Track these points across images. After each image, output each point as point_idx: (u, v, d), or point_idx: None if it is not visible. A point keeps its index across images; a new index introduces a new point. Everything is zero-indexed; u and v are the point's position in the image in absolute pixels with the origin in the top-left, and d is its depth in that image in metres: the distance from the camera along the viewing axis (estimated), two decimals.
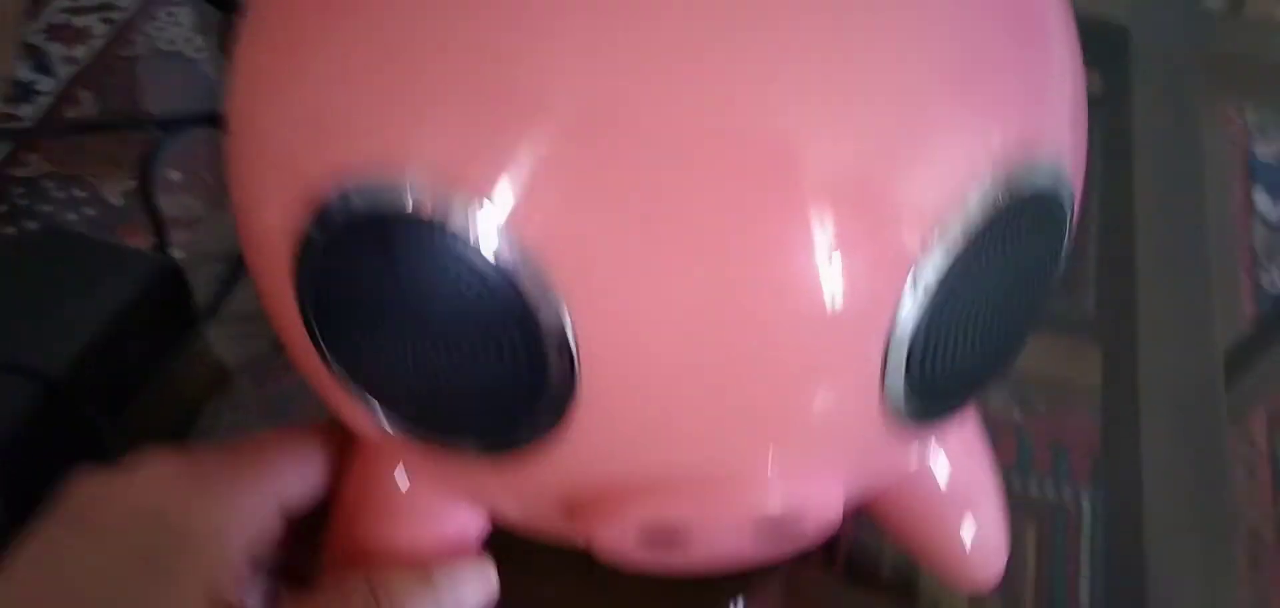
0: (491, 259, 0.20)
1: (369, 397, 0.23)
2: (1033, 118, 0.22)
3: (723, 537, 0.25)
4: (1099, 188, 0.45)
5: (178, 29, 0.54)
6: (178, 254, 0.38)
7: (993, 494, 0.30)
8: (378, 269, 0.21)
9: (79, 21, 0.53)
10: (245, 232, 0.25)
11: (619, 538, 0.24)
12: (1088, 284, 0.42)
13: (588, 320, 0.20)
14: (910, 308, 0.21)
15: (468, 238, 0.20)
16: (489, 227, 0.20)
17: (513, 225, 0.20)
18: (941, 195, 0.21)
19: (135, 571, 0.24)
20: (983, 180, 0.21)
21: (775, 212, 0.20)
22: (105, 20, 0.54)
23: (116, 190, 0.46)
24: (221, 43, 0.52)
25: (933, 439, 0.28)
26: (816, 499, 0.24)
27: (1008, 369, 0.25)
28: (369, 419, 0.24)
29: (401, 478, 0.27)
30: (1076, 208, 0.24)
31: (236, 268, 0.35)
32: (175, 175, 0.46)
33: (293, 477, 0.27)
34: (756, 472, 0.23)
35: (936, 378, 0.23)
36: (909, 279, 0.21)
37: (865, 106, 0.20)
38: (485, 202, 0.20)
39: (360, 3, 0.20)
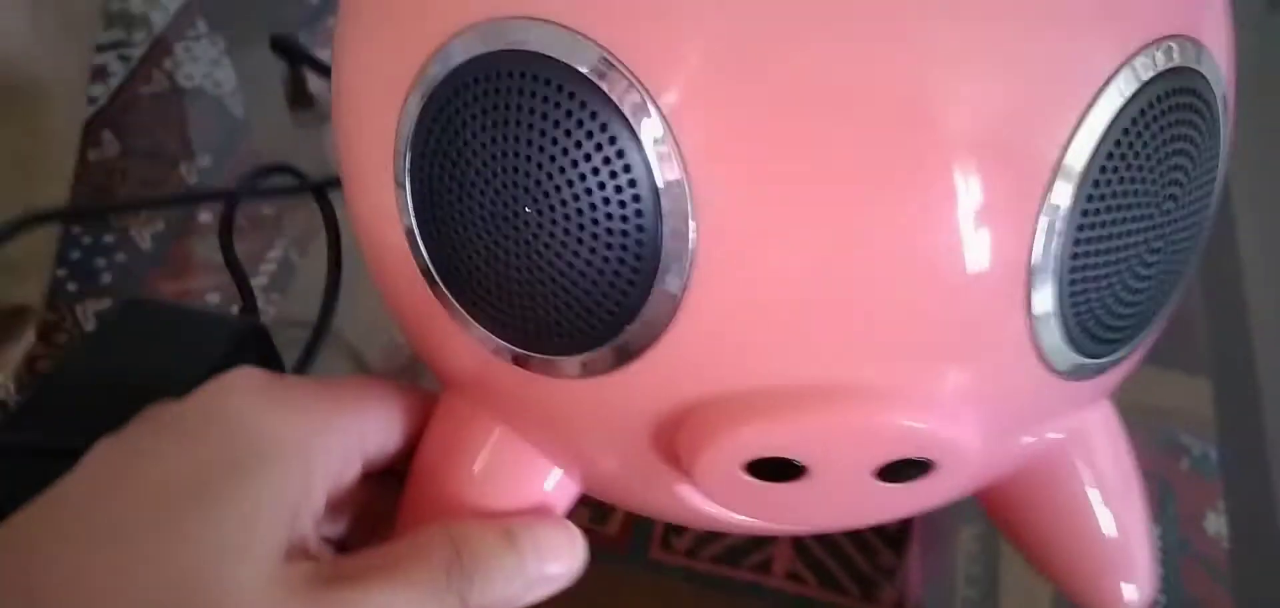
0: (636, 134, 0.20)
1: (471, 309, 0.23)
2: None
3: (841, 476, 0.22)
4: None
5: (195, 64, 0.53)
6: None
7: (1143, 517, 0.28)
8: (503, 123, 0.20)
9: (95, 59, 0.52)
10: (350, 117, 0.24)
11: (725, 466, 0.22)
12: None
13: (714, 227, 0.20)
14: (1056, 224, 0.20)
15: (615, 103, 0.20)
16: (640, 99, 0.20)
17: (669, 108, 0.20)
18: (1072, 103, 0.20)
19: (212, 469, 0.22)
20: (1115, 76, 0.20)
21: (911, 139, 0.20)
22: (122, 58, 0.53)
23: (145, 234, 0.45)
24: (290, 94, 0.51)
25: (1084, 412, 0.26)
26: (948, 432, 0.21)
27: (1170, 299, 0.23)
28: (467, 346, 0.23)
29: (487, 432, 0.26)
30: (1229, 94, 0.23)
31: (318, 334, 0.35)
32: (206, 217, 0.45)
33: (376, 421, 0.26)
34: (881, 396, 0.21)
35: (1089, 308, 0.21)
36: (1048, 196, 0.20)
37: (1008, 49, 0.20)
38: (643, 77, 0.20)
39: None
